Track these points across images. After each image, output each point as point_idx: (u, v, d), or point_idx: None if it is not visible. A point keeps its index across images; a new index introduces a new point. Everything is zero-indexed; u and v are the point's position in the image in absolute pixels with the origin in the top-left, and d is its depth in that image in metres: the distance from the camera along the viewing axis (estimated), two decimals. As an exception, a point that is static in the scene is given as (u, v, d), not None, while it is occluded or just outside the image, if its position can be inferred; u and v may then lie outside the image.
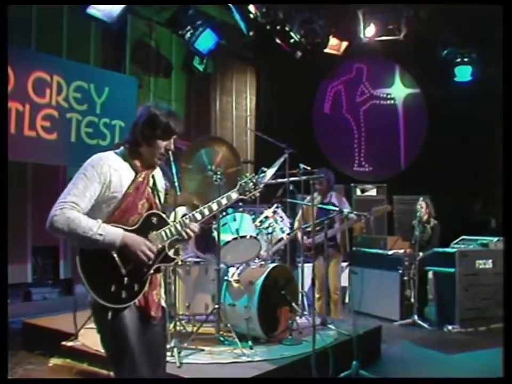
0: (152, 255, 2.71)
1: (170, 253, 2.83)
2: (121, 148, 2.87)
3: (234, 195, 3.03)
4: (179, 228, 2.82)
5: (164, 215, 2.85)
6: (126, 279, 2.66)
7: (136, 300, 2.69)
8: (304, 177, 5.48)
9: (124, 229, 2.67)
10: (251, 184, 3.07)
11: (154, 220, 2.79)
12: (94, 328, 2.78)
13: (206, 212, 2.91)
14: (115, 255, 2.63)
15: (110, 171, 2.70)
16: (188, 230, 2.84)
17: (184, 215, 2.87)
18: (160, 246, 2.77)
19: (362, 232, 7.84)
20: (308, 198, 6.28)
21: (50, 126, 6.96)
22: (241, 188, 3.06)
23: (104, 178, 2.67)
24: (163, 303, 2.91)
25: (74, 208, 2.59)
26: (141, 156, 2.82)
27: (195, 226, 2.86)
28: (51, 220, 2.57)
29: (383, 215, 9.10)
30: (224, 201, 2.99)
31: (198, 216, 2.87)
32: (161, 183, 2.98)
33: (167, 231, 2.81)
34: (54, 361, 4.94)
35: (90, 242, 2.57)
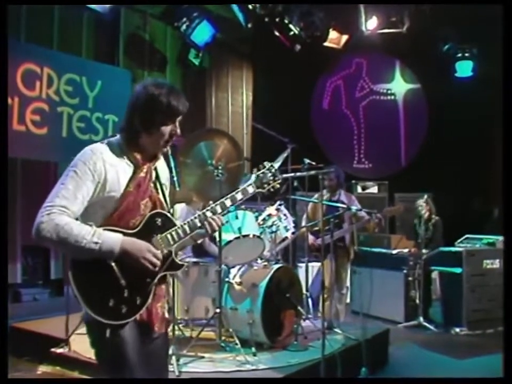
0: (158, 263, 2.34)
1: (178, 259, 2.47)
2: (117, 136, 2.48)
3: (250, 189, 2.67)
4: (187, 229, 2.47)
5: (169, 215, 2.49)
6: (126, 291, 2.30)
7: (137, 315, 2.35)
8: (312, 172, 5.19)
9: (124, 233, 2.31)
10: (270, 174, 2.71)
11: (158, 221, 2.42)
12: (85, 334, 2.46)
13: (219, 209, 2.57)
14: (113, 264, 2.28)
15: (105, 166, 2.32)
16: (213, 222, 2.50)
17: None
18: (165, 251, 2.41)
19: (375, 232, 7.60)
20: (316, 195, 6.05)
21: (40, 120, 6.68)
22: (258, 180, 2.69)
23: (98, 176, 2.30)
24: (166, 314, 2.57)
25: (64, 212, 2.23)
26: (140, 146, 2.43)
27: (219, 218, 2.53)
28: (37, 227, 2.20)
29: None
30: (239, 196, 2.63)
31: (209, 215, 2.53)
32: (165, 174, 2.59)
33: (174, 233, 2.44)
34: (43, 368, 4.70)
35: (84, 252, 2.22)
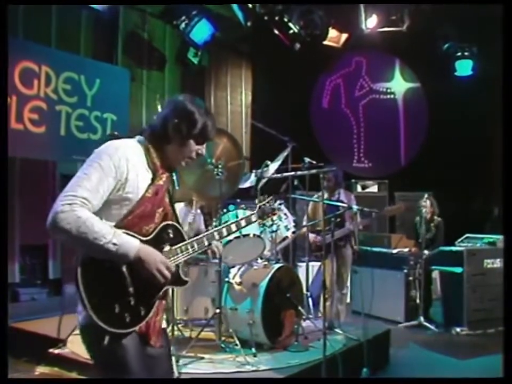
0: (169, 276, 2.28)
1: (183, 274, 2.47)
2: (140, 137, 2.44)
3: (253, 218, 2.81)
4: (196, 246, 2.46)
5: (180, 228, 2.47)
6: (132, 300, 2.23)
7: (138, 327, 2.28)
8: (313, 171, 5.13)
9: (138, 239, 2.26)
10: (269, 207, 2.87)
11: (170, 232, 2.40)
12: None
13: (224, 232, 2.61)
14: (124, 270, 2.21)
15: (128, 166, 2.25)
16: (216, 250, 2.65)
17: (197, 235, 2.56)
18: (174, 264, 2.38)
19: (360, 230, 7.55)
20: (316, 196, 6.00)
21: (38, 119, 6.60)
22: (260, 211, 2.83)
23: (120, 174, 2.23)
24: (164, 325, 2.51)
25: (85, 205, 2.13)
26: (164, 154, 2.41)
27: (220, 245, 2.66)
28: (56, 217, 2.08)
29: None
30: (243, 223, 2.73)
31: (216, 236, 2.57)
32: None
33: (183, 248, 2.42)
34: (40, 369, 4.62)
35: (99, 251, 2.13)
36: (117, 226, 2.24)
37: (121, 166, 2.23)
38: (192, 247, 2.44)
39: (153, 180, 2.34)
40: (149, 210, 2.31)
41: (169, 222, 2.42)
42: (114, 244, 2.13)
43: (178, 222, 2.49)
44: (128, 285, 2.22)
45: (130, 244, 2.19)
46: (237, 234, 4.70)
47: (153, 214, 2.33)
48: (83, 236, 2.09)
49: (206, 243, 2.51)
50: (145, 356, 2.32)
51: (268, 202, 2.86)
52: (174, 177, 2.62)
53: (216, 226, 4.56)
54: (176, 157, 2.43)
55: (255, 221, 2.82)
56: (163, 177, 2.38)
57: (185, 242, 2.44)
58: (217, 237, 2.56)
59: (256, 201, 2.87)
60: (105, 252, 2.13)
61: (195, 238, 2.49)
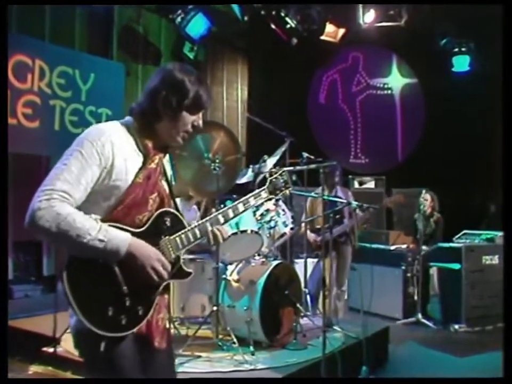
0: (166, 274, 2.07)
1: (185, 266, 2.25)
2: (128, 118, 2.21)
3: (264, 194, 2.50)
4: (198, 233, 2.24)
5: (179, 215, 2.23)
6: (127, 300, 2.03)
7: (137, 327, 2.08)
8: (313, 166, 5.04)
9: (129, 232, 2.04)
10: (282, 181, 2.55)
11: (167, 220, 2.17)
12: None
13: (231, 213, 2.36)
14: (116, 268, 2.00)
15: (114, 151, 2.03)
16: (218, 233, 2.30)
17: (202, 218, 2.33)
18: (173, 256, 2.17)
19: (363, 228, 7.51)
20: (313, 193, 5.92)
21: (32, 114, 6.50)
22: (271, 186, 2.53)
23: (105, 161, 2.01)
24: (167, 325, 2.32)
25: (66, 200, 1.93)
26: (156, 133, 2.17)
27: (225, 230, 2.32)
28: (33, 214, 1.88)
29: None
30: (252, 201, 2.45)
31: (221, 220, 2.33)
32: (169, 171, 2.32)
33: (183, 237, 2.19)
34: (34, 368, 4.51)
35: (85, 249, 1.93)
36: (107, 218, 2.04)
37: (106, 152, 2.02)
38: (194, 234, 2.23)
39: (144, 163, 2.13)
40: (141, 197, 2.09)
41: (166, 210, 2.19)
42: (101, 240, 1.93)
43: (177, 209, 2.27)
44: (121, 284, 2.02)
45: (119, 238, 1.98)
46: (234, 230, 4.66)
47: (146, 201, 2.12)
48: (64, 233, 1.90)
49: (210, 229, 2.28)
50: (146, 361, 2.16)
51: (280, 175, 2.55)
52: (171, 172, 2.43)
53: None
54: (170, 133, 2.19)
55: (266, 198, 2.51)
56: (155, 159, 2.16)
57: (185, 230, 2.22)
58: (222, 220, 2.33)
59: (267, 174, 2.57)
60: (91, 249, 1.94)
61: (196, 223, 2.26)
